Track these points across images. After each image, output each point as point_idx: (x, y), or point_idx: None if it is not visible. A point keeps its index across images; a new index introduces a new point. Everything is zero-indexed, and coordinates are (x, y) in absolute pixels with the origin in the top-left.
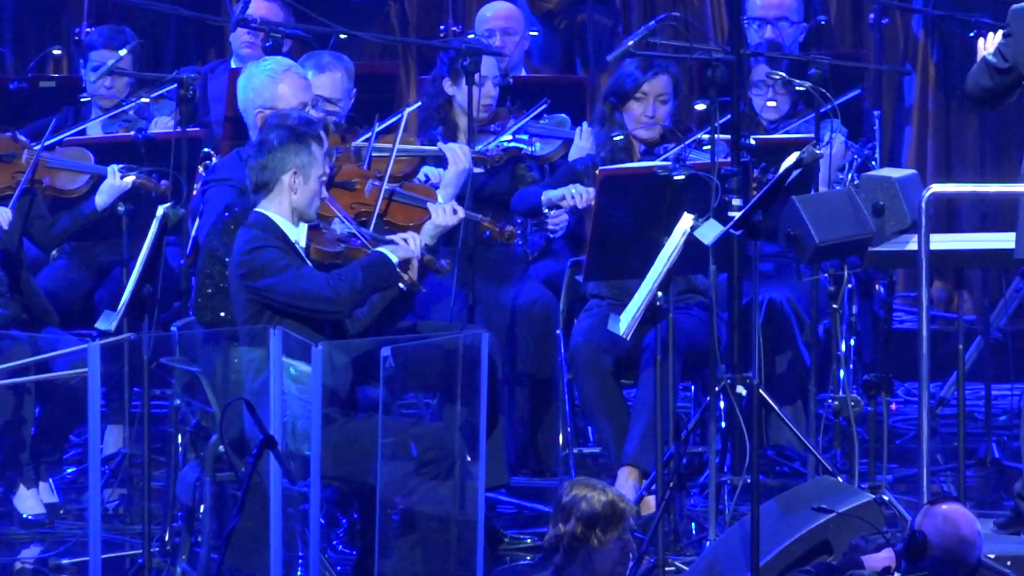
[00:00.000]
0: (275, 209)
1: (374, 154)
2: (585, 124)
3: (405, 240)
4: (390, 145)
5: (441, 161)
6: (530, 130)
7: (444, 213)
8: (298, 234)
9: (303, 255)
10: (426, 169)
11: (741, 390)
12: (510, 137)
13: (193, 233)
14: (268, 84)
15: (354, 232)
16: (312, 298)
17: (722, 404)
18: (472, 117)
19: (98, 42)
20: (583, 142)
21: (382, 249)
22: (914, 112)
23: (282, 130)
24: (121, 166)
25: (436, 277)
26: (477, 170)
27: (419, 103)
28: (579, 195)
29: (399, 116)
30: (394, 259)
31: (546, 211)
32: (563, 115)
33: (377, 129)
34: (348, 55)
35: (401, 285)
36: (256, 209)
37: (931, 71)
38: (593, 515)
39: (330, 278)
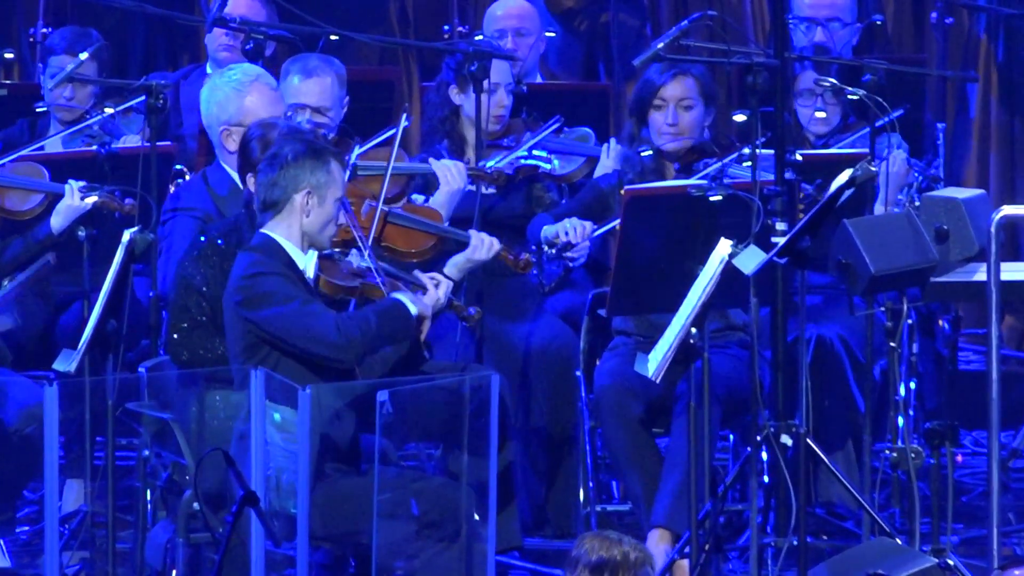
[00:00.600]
0: (283, 232)
1: (360, 174)
2: (613, 141)
3: (435, 284)
4: (380, 163)
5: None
6: (549, 145)
7: (479, 246)
8: (306, 262)
9: (311, 287)
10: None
11: (786, 439)
12: (525, 153)
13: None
14: (233, 97)
15: (371, 267)
16: (317, 340)
17: (765, 455)
18: (481, 130)
19: (59, 46)
20: (610, 160)
21: (400, 296)
22: (975, 123)
23: (298, 143)
24: (81, 184)
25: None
26: (488, 191)
27: (406, 123)
28: (573, 230)
29: (393, 131)
30: (412, 309)
31: (545, 248)
32: (586, 129)
33: (358, 151)
34: (340, 59)
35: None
36: (262, 230)
37: (994, 77)
38: (600, 562)
39: (340, 319)
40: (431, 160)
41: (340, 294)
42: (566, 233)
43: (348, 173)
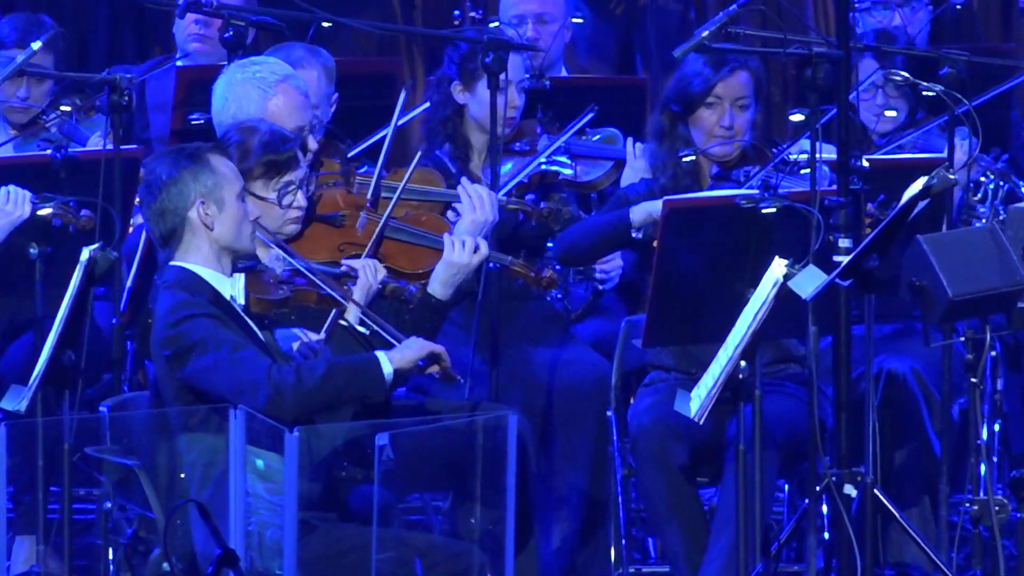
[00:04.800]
0: (197, 259)
1: (383, 195)
2: (631, 142)
3: (363, 268)
4: (399, 183)
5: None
6: (571, 148)
7: (461, 249)
8: (233, 286)
9: (244, 318)
10: None
11: (850, 490)
12: (544, 160)
13: (129, 282)
14: (256, 97)
15: (295, 266)
16: (245, 391)
17: (825, 508)
18: (494, 134)
19: (8, 37)
20: (638, 163)
21: (380, 352)
22: None
23: (165, 156)
24: (24, 192)
25: (445, 344)
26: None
27: (425, 104)
28: None
29: (387, 129)
30: (388, 368)
31: (636, 235)
32: (613, 129)
33: (397, 120)
34: (334, 49)
35: (434, 373)
36: (173, 263)
37: None
38: None
39: (273, 368)
40: (463, 181)
41: (274, 309)
42: None
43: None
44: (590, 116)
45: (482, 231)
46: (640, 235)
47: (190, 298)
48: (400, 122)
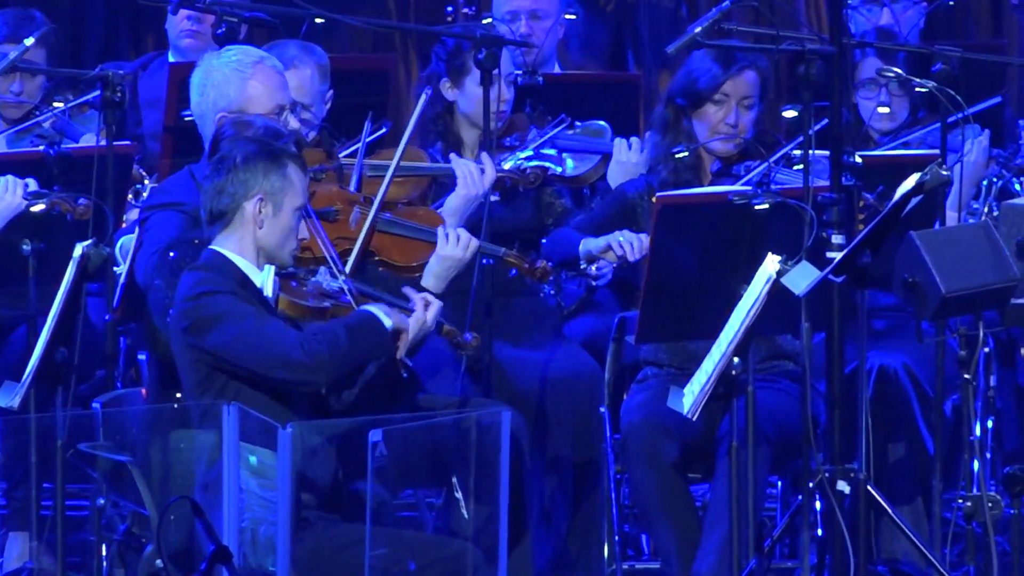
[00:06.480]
0: (233, 247)
1: (369, 174)
2: (620, 139)
3: (424, 305)
4: (388, 162)
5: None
6: (559, 143)
7: (455, 243)
8: (263, 278)
9: (270, 306)
10: None
11: (843, 486)
12: (531, 153)
13: (123, 279)
14: (234, 81)
15: (344, 288)
16: (278, 362)
17: (818, 505)
18: (488, 129)
19: (1, 31)
20: (623, 156)
21: (371, 308)
22: None
23: (249, 144)
24: (25, 182)
25: (437, 338)
26: (492, 197)
27: (384, 129)
28: (628, 244)
29: (379, 132)
30: (387, 322)
31: (585, 267)
32: (601, 122)
33: (366, 138)
34: (328, 45)
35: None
36: (210, 246)
37: None
38: None
39: (304, 337)
40: (452, 157)
41: (307, 316)
42: (620, 246)
43: (355, 176)
44: (563, 126)
45: (473, 206)
46: (590, 269)
47: (210, 276)
48: (369, 139)
